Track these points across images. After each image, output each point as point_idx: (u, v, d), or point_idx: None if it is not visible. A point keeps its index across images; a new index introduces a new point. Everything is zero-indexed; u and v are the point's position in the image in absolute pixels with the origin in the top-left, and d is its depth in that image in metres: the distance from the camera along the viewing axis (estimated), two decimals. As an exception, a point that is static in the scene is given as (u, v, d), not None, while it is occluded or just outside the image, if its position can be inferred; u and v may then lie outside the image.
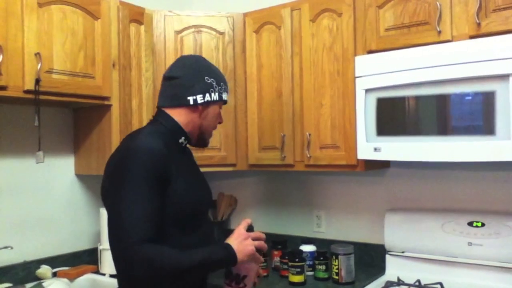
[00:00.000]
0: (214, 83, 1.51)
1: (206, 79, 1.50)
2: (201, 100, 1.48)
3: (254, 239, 1.43)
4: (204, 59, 1.57)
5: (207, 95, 1.49)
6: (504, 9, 1.69)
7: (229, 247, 1.37)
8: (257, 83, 2.38)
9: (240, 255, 1.37)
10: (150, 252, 1.27)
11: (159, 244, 1.29)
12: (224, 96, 1.56)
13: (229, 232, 1.50)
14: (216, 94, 1.52)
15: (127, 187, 1.30)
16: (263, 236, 1.47)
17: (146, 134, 1.41)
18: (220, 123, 1.61)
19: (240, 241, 1.39)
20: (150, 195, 1.31)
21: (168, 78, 1.52)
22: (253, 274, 1.47)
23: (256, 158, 2.38)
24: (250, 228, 1.47)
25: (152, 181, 1.32)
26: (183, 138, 1.51)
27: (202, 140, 1.57)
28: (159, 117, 1.51)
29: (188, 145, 1.56)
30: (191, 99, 1.48)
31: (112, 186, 1.35)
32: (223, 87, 1.56)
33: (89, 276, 2.23)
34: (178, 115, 1.50)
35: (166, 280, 1.29)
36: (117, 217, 1.30)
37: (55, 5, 1.91)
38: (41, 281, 2.06)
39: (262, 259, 1.48)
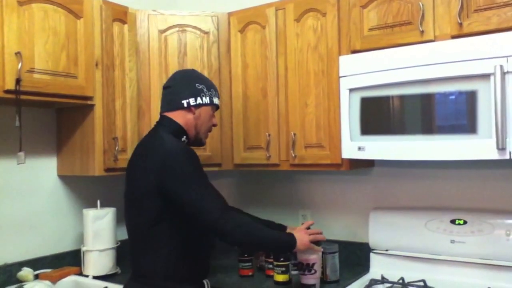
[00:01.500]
0: (205, 89, 1.80)
1: (197, 85, 1.79)
2: (193, 102, 1.77)
3: (313, 234, 1.83)
4: (195, 70, 1.89)
5: (199, 98, 1.78)
6: (485, 9, 1.71)
7: (292, 235, 1.76)
8: (242, 83, 2.37)
9: (299, 243, 1.74)
10: (240, 217, 1.67)
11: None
12: (215, 101, 1.84)
13: None
14: (207, 98, 1.80)
15: (195, 179, 1.61)
16: (320, 230, 1.90)
17: (164, 135, 1.70)
18: (214, 125, 1.88)
19: (300, 234, 1.79)
20: (207, 178, 1.66)
21: (165, 87, 1.83)
22: (319, 262, 1.91)
23: (242, 158, 2.37)
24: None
25: (201, 168, 1.67)
26: (184, 137, 1.79)
27: (198, 139, 1.84)
28: (163, 121, 1.79)
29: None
30: (185, 102, 1.76)
31: (175, 181, 1.60)
32: (213, 93, 1.84)
33: (72, 278, 2.20)
34: (177, 117, 1.77)
35: (246, 245, 1.81)
36: (197, 201, 1.59)
37: (36, 4, 1.88)
38: (23, 283, 2.03)
39: (320, 249, 1.90)
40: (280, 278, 2.05)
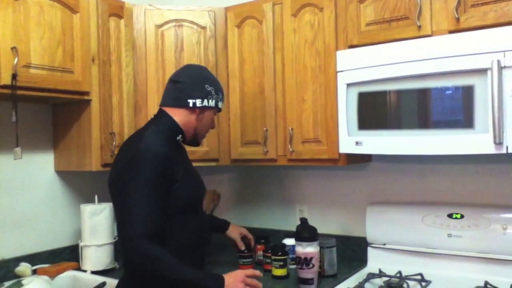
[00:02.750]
0: (213, 92, 1.73)
1: (207, 87, 1.72)
2: (199, 104, 1.70)
3: (249, 276, 1.59)
4: (207, 69, 1.81)
5: (205, 100, 1.71)
6: (482, 4, 1.71)
7: (222, 281, 1.52)
8: (239, 79, 2.37)
9: None
10: (153, 251, 1.47)
11: (159, 241, 1.50)
12: (220, 105, 1.79)
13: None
14: (213, 101, 1.74)
15: (137, 187, 1.50)
16: (258, 273, 1.64)
17: (150, 134, 1.62)
18: (212, 128, 1.83)
19: (233, 280, 1.54)
20: (157, 195, 1.53)
21: (174, 81, 1.73)
22: (317, 256, 1.88)
23: (239, 153, 2.37)
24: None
25: (160, 182, 1.54)
26: (180, 136, 1.71)
27: (195, 140, 1.78)
28: (160, 116, 1.71)
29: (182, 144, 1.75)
30: (191, 102, 1.69)
31: (123, 184, 1.54)
32: (220, 96, 1.78)
33: (70, 273, 2.20)
34: (178, 115, 1.70)
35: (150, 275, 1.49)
36: (125, 212, 1.51)
37: (31, -2, 1.88)
38: (20, 279, 2.03)
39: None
40: (278, 272, 2.06)
